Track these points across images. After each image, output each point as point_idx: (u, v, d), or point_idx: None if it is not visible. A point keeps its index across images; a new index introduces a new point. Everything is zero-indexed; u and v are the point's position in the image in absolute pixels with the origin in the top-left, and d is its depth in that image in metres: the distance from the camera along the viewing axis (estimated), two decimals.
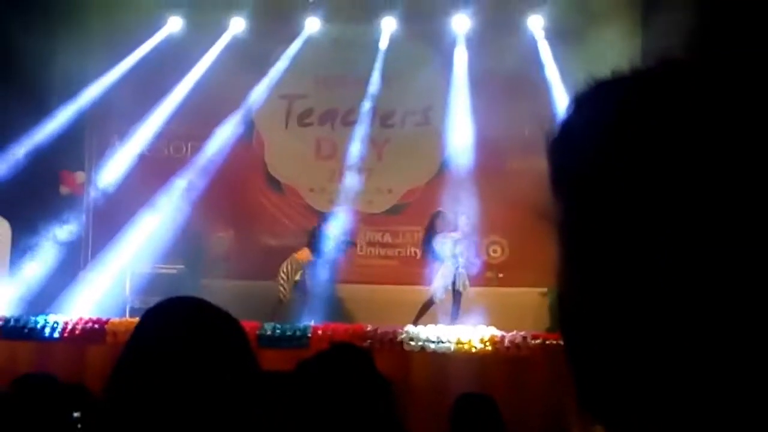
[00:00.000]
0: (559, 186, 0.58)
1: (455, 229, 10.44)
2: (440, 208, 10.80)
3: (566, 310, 0.59)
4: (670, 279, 0.51)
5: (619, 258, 0.53)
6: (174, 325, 1.58)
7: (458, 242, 10.37)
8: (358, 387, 2.24)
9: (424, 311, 10.17)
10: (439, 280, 10.27)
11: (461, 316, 10.01)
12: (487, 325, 9.26)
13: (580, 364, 0.57)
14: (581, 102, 0.59)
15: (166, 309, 1.64)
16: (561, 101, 11.58)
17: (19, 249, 10.92)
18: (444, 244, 10.33)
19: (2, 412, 2.79)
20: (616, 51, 10.32)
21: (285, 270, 10.76)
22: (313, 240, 10.99)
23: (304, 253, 10.93)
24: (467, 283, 10.30)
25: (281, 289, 10.65)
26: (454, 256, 10.29)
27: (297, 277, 10.74)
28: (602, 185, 0.55)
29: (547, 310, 11.00)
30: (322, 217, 11.46)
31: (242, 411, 1.49)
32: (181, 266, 11.26)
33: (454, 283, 10.21)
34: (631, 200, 0.54)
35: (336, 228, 11.15)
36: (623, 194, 0.54)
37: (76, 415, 2.94)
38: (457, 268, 10.25)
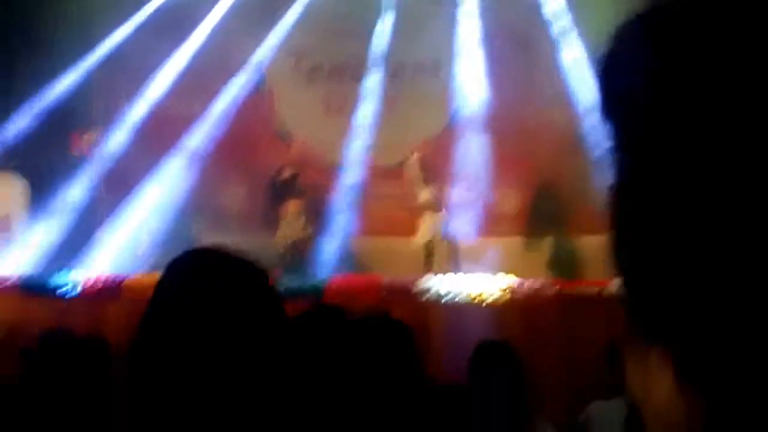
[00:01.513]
0: (618, 109, 0.57)
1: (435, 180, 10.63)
2: (423, 156, 10.94)
3: (625, 231, 0.58)
4: (735, 205, 0.51)
5: (684, 180, 0.53)
6: (199, 276, 1.56)
7: (440, 193, 10.57)
8: (377, 333, 2.28)
9: (429, 262, 10.29)
10: (420, 231, 10.45)
11: (464, 265, 10.07)
12: (502, 274, 9.31)
13: (641, 286, 0.57)
14: (636, 26, 0.57)
15: (189, 260, 1.63)
16: (570, 55, 11.51)
17: (37, 208, 11.00)
18: (421, 194, 10.56)
19: (31, 368, 2.83)
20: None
21: (287, 225, 10.86)
22: (316, 202, 11.07)
23: (295, 204, 10.98)
24: (449, 231, 10.44)
25: (279, 240, 10.74)
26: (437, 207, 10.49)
27: (299, 234, 10.82)
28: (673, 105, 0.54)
29: (551, 260, 11.09)
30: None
31: (272, 361, 1.49)
32: (195, 223, 11.32)
33: (445, 234, 10.40)
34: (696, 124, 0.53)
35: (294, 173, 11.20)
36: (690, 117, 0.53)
37: (92, 363, 2.98)
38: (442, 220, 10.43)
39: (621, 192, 0.58)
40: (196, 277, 1.57)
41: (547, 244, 11.35)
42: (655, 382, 0.56)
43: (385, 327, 2.37)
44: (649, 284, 0.55)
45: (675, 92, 0.53)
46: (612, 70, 0.58)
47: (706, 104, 0.52)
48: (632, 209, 0.55)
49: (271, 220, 11.13)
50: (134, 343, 1.53)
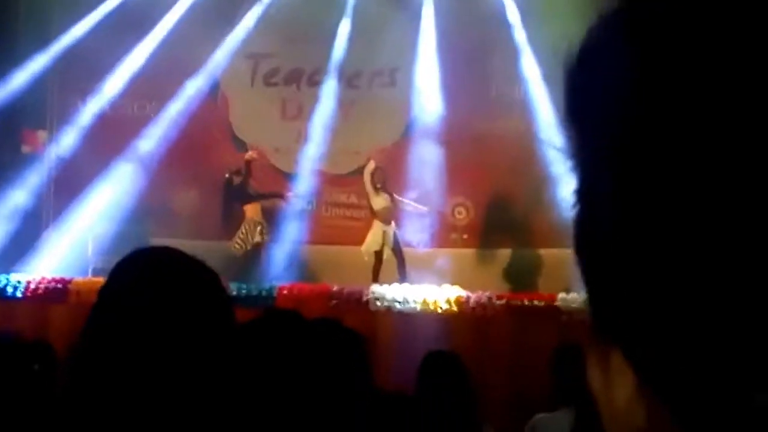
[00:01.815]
0: (589, 110, 0.54)
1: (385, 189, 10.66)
2: (378, 165, 10.94)
3: (589, 231, 0.56)
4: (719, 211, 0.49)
5: (664, 184, 0.50)
6: (147, 273, 1.54)
7: (393, 202, 10.60)
8: (328, 343, 2.27)
9: (377, 271, 10.30)
10: (368, 240, 10.43)
11: (413, 275, 10.09)
12: (452, 285, 9.34)
13: (604, 286, 0.55)
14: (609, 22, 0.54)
15: (138, 259, 1.60)
16: (528, 63, 11.60)
17: None
18: (375, 202, 10.59)
19: None
20: (583, 16, 10.31)
21: (245, 228, 10.75)
22: (227, 193, 11.00)
23: (252, 209, 10.90)
24: (397, 241, 10.45)
25: (237, 245, 10.62)
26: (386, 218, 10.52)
27: (256, 238, 10.73)
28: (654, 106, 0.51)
29: (506, 272, 11.14)
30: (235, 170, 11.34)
31: (217, 363, 1.47)
32: (144, 227, 11.19)
33: (395, 243, 10.40)
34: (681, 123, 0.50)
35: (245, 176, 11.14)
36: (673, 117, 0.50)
37: (36, 367, 2.93)
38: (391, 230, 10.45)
39: (590, 197, 0.56)
40: (145, 276, 1.53)
41: (501, 256, 11.41)
42: (616, 386, 0.54)
43: (338, 333, 2.37)
44: (611, 285, 0.54)
45: (667, 90, 0.51)
46: (589, 67, 0.55)
47: (704, 106, 0.49)
48: (605, 212, 0.54)
49: (226, 223, 11.02)
50: (78, 345, 1.50)
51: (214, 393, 1.48)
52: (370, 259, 10.43)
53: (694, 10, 0.51)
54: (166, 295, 1.50)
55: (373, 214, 10.70)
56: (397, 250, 10.41)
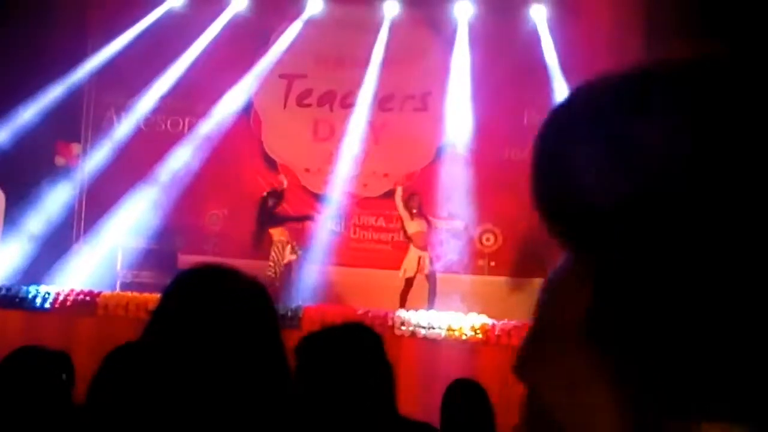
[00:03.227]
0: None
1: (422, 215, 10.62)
2: (413, 191, 10.94)
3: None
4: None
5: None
6: (205, 290, 1.56)
7: (426, 228, 10.56)
8: (365, 366, 2.29)
9: (405, 296, 10.26)
10: (405, 265, 10.40)
11: (439, 301, 10.05)
12: (478, 313, 9.29)
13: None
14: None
15: (197, 274, 1.61)
16: (561, 91, 11.58)
17: (13, 218, 10.90)
18: (410, 226, 10.54)
19: None
20: (617, 45, 10.33)
21: (275, 251, 10.74)
22: (261, 214, 10.98)
23: (279, 231, 10.87)
24: (431, 267, 10.40)
25: (270, 271, 10.59)
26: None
27: (286, 259, 10.69)
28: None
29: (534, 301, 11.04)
30: (270, 192, 11.36)
31: (270, 378, 1.49)
32: (173, 243, 11.25)
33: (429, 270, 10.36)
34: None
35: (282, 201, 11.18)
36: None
37: (63, 377, 2.94)
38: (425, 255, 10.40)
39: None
40: (204, 293, 1.56)
41: (528, 284, 11.34)
42: (590, 393, 0.55)
43: (359, 331, 2.43)
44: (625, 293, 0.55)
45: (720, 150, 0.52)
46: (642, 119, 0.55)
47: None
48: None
49: (257, 243, 11.01)
50: (144, 347, 1.53)
51: (266, 400, 1.50)
52: (399, 284, 10.39)
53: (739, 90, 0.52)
54: (222, 309, 1.52)
55: (408, 238, 10.65)
56: (431, 277, 10.36)
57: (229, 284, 1.59)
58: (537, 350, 0.59)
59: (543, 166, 0.58)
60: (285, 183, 11.50)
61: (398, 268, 10.63)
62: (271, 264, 10.56)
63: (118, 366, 1.71)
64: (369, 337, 2.44)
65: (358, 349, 2.33)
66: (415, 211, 10.60)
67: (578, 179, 0.55)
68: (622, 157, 0.54)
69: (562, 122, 0.58)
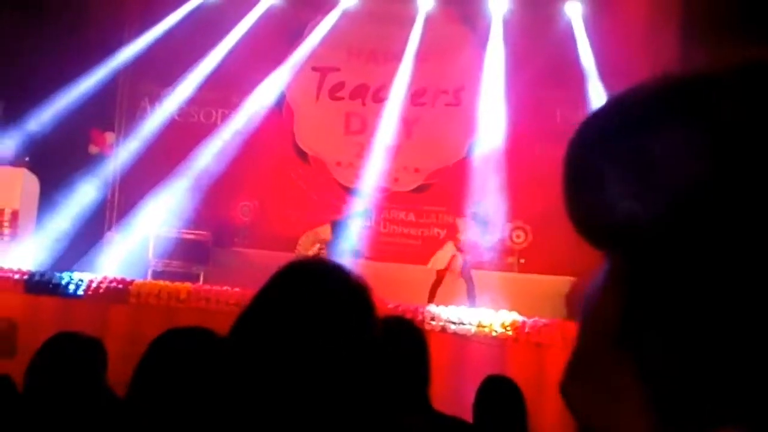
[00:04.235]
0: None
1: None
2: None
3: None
4: None
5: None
6: (307, 283, 1.57)
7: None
8: (407, 359, 2.32)
9: (434, 290, 10.22)
10: (437, 255, 10.38)
11: (478, 298, 10.01)
12: (509, 310, 9.25)
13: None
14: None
15: (299, 268, 1.63)
16: (595, 89, 11.51)
17: (47, 205, 11.02)
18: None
19: (37, 372, 2.83)
20: (650, 46, 10.27)
21: (301, 242, 10.77)
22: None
23: (325, 231, 10.91)
24: (468, 268, 10.34)
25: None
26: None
27: (311, 252, 10.69)
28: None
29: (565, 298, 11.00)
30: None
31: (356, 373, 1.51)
32: (205, 232, 11.32)
33: (464, 270, 10.30)
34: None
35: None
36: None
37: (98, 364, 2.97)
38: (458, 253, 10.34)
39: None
40: (303, 283, 1.57)
41: (558, 282, 11.29)
42: (621, 399, 0.56)
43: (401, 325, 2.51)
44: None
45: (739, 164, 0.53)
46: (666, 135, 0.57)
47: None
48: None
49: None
50: (230, 335, 1.53)
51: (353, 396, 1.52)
52: (429, 278, 10.36)
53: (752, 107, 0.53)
54: (321, 304, 1.54)
55: (455, 238, 10.59)
56: (467, 277, 10.29)
57: (333, 281, 1.59)
58: (577, 365, 0.60)
59: (574, 176, 0.59)
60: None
61: (428, 263, 10.63)
62: (299, 249, 10.61)
63: (177, 354, 1.72)
64: (410, 330, 2.46)
65: (400, 343, 2.35)
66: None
67: (608, 191, 0.56)
68: (650, 170, 0.55)
69: (592, 134, 0.59)
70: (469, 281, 10.22)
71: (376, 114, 12.28)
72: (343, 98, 12.66)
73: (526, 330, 8.83)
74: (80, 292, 9.42)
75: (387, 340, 2.26)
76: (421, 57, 12.21)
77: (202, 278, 10.50)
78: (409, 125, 12.34)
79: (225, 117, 12.38)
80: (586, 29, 11.73)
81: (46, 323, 8.69)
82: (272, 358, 1.47)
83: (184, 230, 11.19)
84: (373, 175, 12.08)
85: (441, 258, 10.38)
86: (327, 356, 1.48)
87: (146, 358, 1.77)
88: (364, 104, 12.59)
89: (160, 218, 11.34)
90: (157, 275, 10.43)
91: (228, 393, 1.47)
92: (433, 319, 9.01)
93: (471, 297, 10.09)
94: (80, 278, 9.54)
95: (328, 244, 10.87)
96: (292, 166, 12.48)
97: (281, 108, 12.64)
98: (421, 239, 11.99)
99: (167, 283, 9.53)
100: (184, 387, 1.63)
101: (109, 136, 12.29)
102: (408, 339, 2.40)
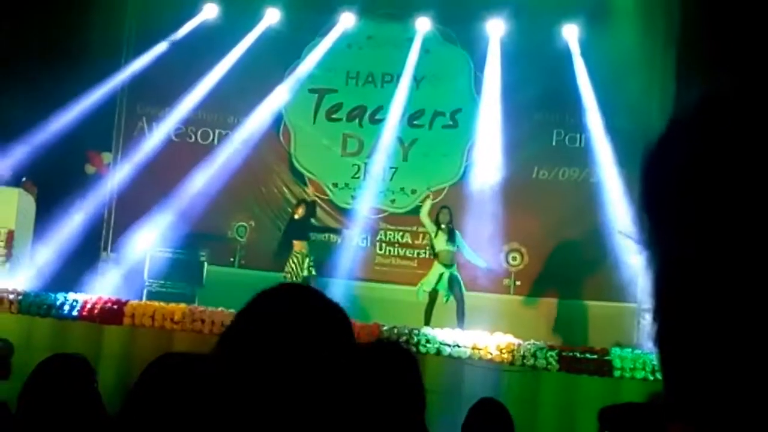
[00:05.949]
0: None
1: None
2: (445, 204, 10.86)
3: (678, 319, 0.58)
4: None
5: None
6: (284, 306, 1.58)
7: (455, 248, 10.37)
8: (398, 387, 2.30)
9: (429, 312, 10.14)
10: (427, 278, 10.30)
11: (467, 320, 9.92)
12: (504, 333, 9.22)
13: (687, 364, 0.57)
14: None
15: (278, 291, 1.64)
16: (592, 114, 11.55)
17: (42, 225, 10.99)
18: (437, 242, 10.34)
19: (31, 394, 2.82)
20: (647, 71, 10.36)
21: (293, 262, 10.66)
22: (290, 228, 10.99)
23: (299, 245, 10.80)
24: (460, 287, 10.21)
25: (286, 275, 10.52)
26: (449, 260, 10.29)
27: (305, 272, 10.61)
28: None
29: (557, 321, 11.00)
30: (300, 203, 11.37)
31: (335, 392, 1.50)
32: (199, 253, 11.29)
33: (456, 289, 10.15)
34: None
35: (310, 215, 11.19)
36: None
37: (95, 385, 2.96)
38: (450, 273, 10.19)
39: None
40: (282, 307, 1.59)
41: (553, 305, 11.28)
42: None
43: (394, 351, 2.45)
44: (695, 364, 0.57)
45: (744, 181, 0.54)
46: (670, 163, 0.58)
47: None
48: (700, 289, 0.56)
49: (280, 255, 10.98)
50: (214, 354, 1.53)
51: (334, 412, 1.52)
52: (423, 300, 10.27)
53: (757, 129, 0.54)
54: (302, 327, 1.54)
55: (435, 255, 10.44)
56: (458, 296, 10.16)
57: (312, 302, 1.60)
58: None
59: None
60: (312, 195, 11.55)
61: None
62: (287, 275, 10.51)
63: (169, 376, 1.71)
64: (404, 358, 2.44)
65: (392, 370, 2.33)
66: (443, 226, 10.40)
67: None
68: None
69: (654, 172, 0.62)
70: (459, 301, 10.13)
71: (373, 135, 12.29)
72: (340, 119, 12.66)
73: (522, 353, 8.81)
74: (75, 312, 9.39)
75: (381, 365, 2.24)
76: (418, 79, 12.26)
77: (197, 299, 10.47)
78: (405, 147, 12.35)
79: (222, 137, 12.39)
80: (583, 52, 11.76)
81: (41, 344, 8.66)
82: (254, 376, 1.48)
83: (180, 250, 11.16)
84: (369, 196, 12.08)
85: (430, 279, 10.29)
86: (306, 373, 1.49)
87: (138, 384, 1.77)
88: (361, 125, 12.60)
89: (155, 238, 11.31)
90: (151, 295, 10.40)
91: (215, 414, 1.47)
92: (428, 341, 8.99)
93: (460, 317, 9.99)
94: (75, 299, 9.51)
95: (312, 262, 10.75)
96: (288, 187, 12.48)
97: (279, 129, 12.65)
98: (416, 261, 11.97)
99: (162, 304, 9.50)
100: (175, 411, 1.63)
101: (106, 157, 12.29)
102: (402, 364, 2.37)
